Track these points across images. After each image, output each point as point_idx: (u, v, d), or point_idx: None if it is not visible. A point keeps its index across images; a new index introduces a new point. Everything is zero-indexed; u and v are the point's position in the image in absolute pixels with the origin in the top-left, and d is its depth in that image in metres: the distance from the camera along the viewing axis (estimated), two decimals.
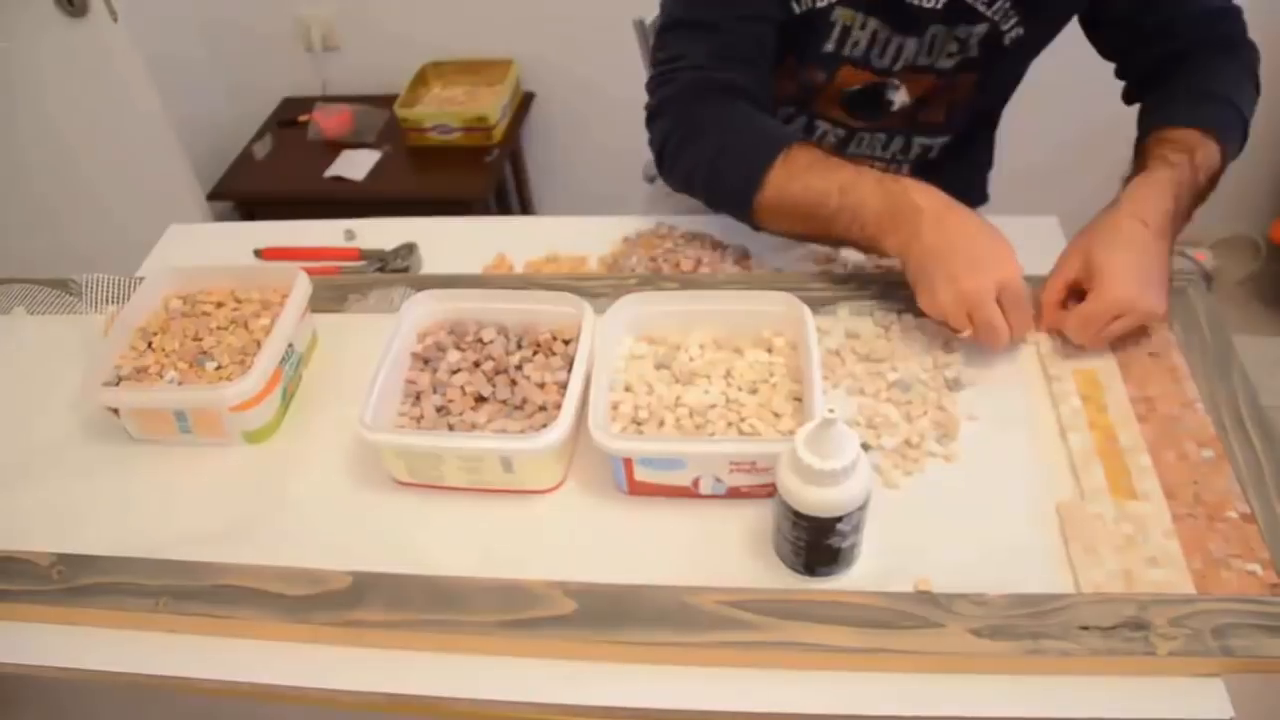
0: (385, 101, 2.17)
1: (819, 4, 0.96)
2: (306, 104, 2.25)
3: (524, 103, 2.23)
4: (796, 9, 0.97)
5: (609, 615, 0.66)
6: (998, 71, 1.04)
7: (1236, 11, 0.99)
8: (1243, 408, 0.77)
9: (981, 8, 0.95)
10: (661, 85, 0.99)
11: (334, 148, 2.13)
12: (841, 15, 0.97)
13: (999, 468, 0.75)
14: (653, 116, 1.01)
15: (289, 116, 2.26)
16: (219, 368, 0.83)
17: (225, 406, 0.79)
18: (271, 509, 0.77)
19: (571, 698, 0.64)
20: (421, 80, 2.20)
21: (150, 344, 0.86)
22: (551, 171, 2.41)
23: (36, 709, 1.03)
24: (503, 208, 2.27)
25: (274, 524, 0.76)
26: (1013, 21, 0.96)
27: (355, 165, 2.09)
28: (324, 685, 0.66)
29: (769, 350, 0.82)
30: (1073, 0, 0.99)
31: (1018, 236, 0.82)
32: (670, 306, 0.84)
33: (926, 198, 0.83)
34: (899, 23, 0.97)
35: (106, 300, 1.00)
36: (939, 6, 0.94)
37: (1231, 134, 0.92)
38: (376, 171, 2.09)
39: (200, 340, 0.86)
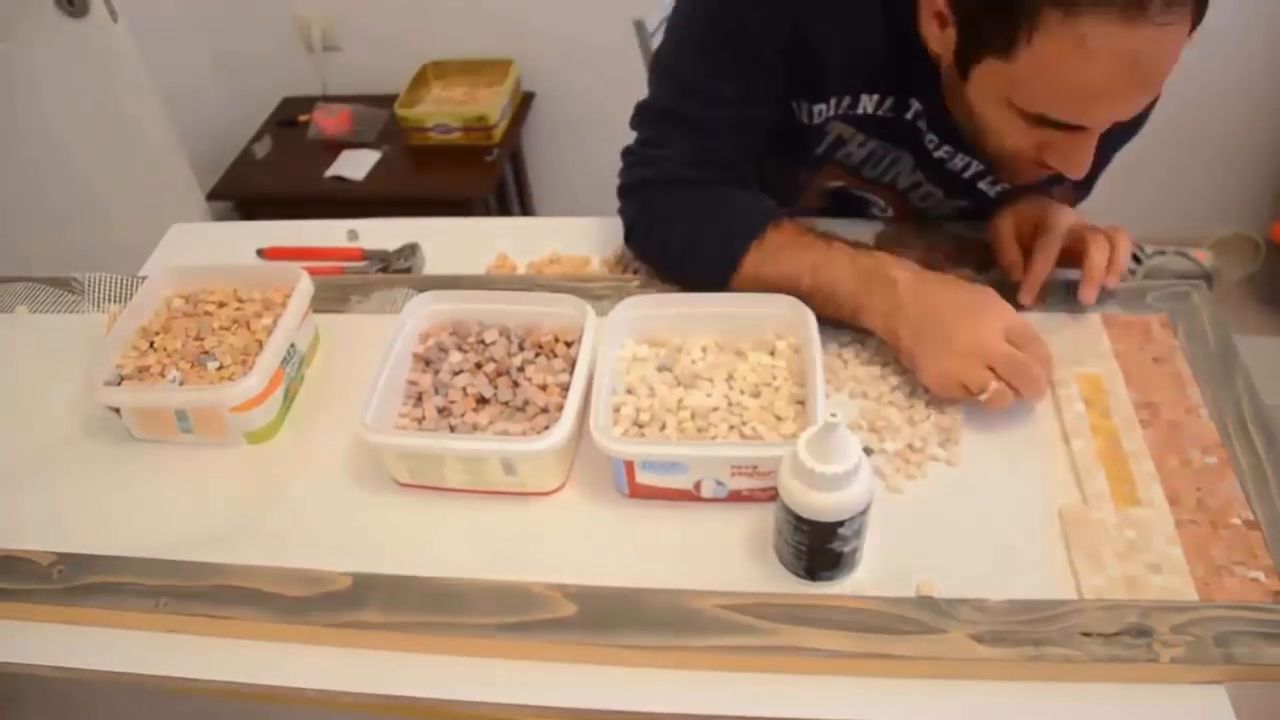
0: (385, 101, 2.17)
1: (814, 120, 0.90)
2: (306, 104, 2.25)
3: (524, 103, 2.23)
4: (801, 120, 0.91)
5: (609, 618, 0.66)
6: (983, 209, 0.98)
7: None
8: (1246, 414, 0.77)
9: (984, 186, 0.94)
10: (636, 165, 0.94)
11: (334, 148, 2.13)
12: (838, 130, 0.92)
13: (1001, 473, 0.75)
14: (624, 192, 0.96)
15: (289, 116, 2.26)
16: (221, 368, 0.83)
17: (227, 406, 0.79)
18: (272, 509, 0.77)
19: (571, 701, 0.64)
20: (421, 80, 2.20)
21: (152, 343, 0.86)
22: (551, 171, 2.41)
23: (37, 708, 1.03)
24: (503, 208, 2.27)
25: (274, 525, 0.76)
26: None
27: (355, 165, 2.09)
28: (323, 686, 0.66)
29: (771, 353, 0.82)
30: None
31: None
32: (673, 309, 0.84)
33: (900, 269, 0.81)
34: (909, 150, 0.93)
35: (108, 299, 1.00)
36: (966, 174, 0.92)
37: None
38: (376, 171, 2.09)
39: (202, 340, 0.86)
